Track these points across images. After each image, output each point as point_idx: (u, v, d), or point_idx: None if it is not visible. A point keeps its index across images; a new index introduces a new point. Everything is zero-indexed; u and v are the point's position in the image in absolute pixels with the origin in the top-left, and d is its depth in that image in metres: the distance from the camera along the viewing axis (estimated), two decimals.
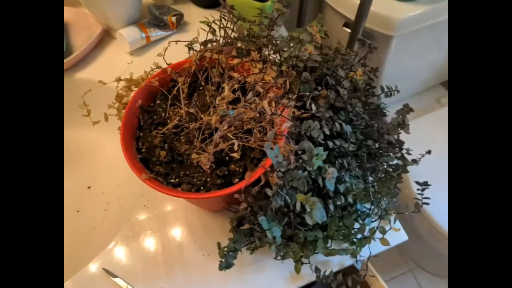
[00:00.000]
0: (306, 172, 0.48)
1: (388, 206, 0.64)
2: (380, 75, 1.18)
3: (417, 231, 1.25)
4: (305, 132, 0.49)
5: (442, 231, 1.12)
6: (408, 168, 0.64)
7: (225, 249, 0.53)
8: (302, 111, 0.53)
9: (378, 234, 0.59)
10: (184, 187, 0.49)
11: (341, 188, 0.53)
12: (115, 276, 0.60)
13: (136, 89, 0.55)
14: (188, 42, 0.55)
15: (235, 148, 0.46)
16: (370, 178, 0.61)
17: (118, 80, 0.56)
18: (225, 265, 0.51)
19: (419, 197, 0.66)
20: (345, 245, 0.61)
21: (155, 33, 0.89)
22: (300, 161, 0.47)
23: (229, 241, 0.53)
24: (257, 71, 0.54)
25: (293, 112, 0.51)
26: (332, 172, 0.47)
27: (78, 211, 0.76)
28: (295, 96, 0.52)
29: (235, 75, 0.53)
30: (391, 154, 0.65)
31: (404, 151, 0.70)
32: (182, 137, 0.51)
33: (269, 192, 0.47)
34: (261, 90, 0.52)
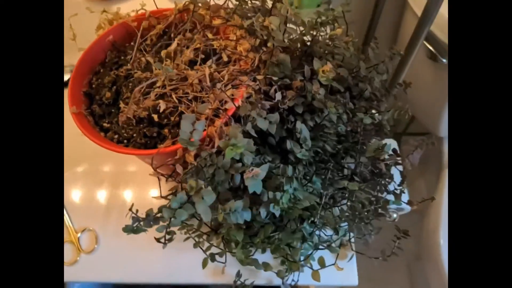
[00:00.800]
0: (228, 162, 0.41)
1: (346, 240, 0.54)
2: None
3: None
4: (251, 121, 0.42)
5: None
6: None
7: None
8: (268, 98, 0.46)
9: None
10: (109, 134, 0.46)
11: (277, 195, 0.45)
12: None
13: None
14: None
15: (161, 108, 0.41)
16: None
17: (103, 11, 0.54)
18: (129, 229, 0.48)
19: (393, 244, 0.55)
20: (275, 262, 0.53)
21: None
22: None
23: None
24: (234, 39, 0.47)
25: (250, 94, 0.44)
26: (256, 172, 0.40)
27: None
28: (261, 77, 0.45)
29: (210, 35, 0.48)
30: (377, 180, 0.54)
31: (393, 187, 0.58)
32: (130, 84, 0.48)
33: (178, 168, 0.41)
34: (226, 59, 0.46)
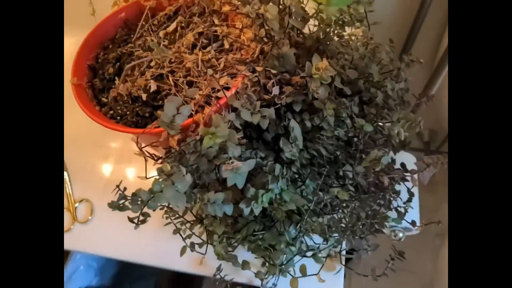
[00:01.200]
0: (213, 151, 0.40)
1: (337, 251, 0.51)
2: None
3: None
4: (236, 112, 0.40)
5: None
6: None
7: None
8: (267, 92, 0.44)
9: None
10: (104, 109, 0.46)
11: (260, 193, 0.42)
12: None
13: None
14: None
15: (151, 88, 0.41)
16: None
17: None
18: (115, 205, 0.48)
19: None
20: (258, 262, 0.51)
21: None
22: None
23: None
24: (240, 27, 0.46)
25: (247, 86, 0.43)
26: (236, 165, 0.38)
27: None
28: (260, 69, 0.43)
29: (216, 21, 0.46)
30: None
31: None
32: (132, 62, 0.48)
33: (160, 151, 0.41)
34: (227, 46, 0.44)
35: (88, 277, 0.91)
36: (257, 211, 0.41)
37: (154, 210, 0.50)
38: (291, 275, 0.47)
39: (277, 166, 0.43)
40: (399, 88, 0.52)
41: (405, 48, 1.10)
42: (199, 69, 0.39)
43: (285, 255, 0.48)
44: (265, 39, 0.42)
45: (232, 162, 0.38)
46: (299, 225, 0.45)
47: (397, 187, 0.54)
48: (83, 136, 0.68)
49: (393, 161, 0.56)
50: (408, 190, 0.56)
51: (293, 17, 0.41)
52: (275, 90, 0.43)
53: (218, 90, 0.41)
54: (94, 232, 0.59)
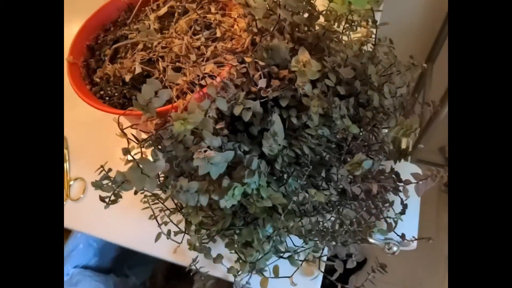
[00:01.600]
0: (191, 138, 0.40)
1: (317, 256, 0.49)
2: None
3: None
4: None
5: None
6: None
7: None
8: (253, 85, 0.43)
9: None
10: (95, 88, 0.47)
11: (233, 185, 0.41)
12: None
13: None
14: None
15: (136, 71, 0.41)
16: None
17: None
18: (98, 185, 0.48)
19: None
20: (233, 256, 0.50)
21: None
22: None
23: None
24: (234, 16, 0.45)
25: (232, 76, 0.42)
26: (209, 155, 0.38)
27: None
28: (249, 60, 0.42)
29: (213, 9, 0.46)
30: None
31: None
32: (128, 45, 0.48)
33: (138, 134, 0.41)
34: (219, 35, 0.44)
35: (87, 256, 0.93)
36: (228, 204, 0.40)
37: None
38: (263, 275, 0.46)
39: (255, 161, 0.41)
40: (400, 93, 0.50)
41: (430, 56, 1.05)
42: (183, 54, 0.39)
43: (259, 253, 0.47)
44: (255, 30, 0.41)
45: (205, 151, 0.37)
46: (273, 223, 0.44)
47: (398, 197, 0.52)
48: (89, 117, 0.69)
49: (393, 171, 0.54)
50: (402, 201, 0.54)
51: (285, 8, 0.40)
52: (262, 83, 0.42)
53: (204, 78, 0.41)
54: (83, 210, 0.60)
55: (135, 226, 0.58)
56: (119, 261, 1.02)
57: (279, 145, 0.43)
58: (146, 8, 0.53)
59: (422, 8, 0.97)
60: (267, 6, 0.39)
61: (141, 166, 0.35)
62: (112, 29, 0.52)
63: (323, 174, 0.46)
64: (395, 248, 0.64)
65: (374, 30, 0.53)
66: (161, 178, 0.47)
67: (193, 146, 0.41)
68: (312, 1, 0.49)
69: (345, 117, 0.46)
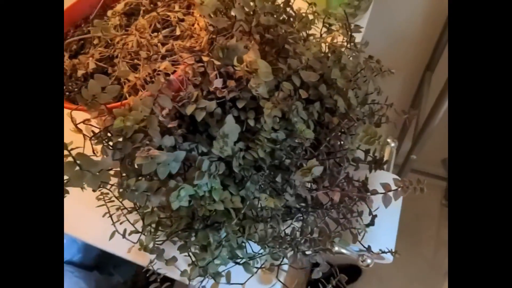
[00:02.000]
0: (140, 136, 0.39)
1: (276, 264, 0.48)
2: None
3: None
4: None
5: None
6: None
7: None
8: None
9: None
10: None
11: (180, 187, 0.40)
12: None
13: None
14: None
15: (89, 66, 0.41)
16: None
17: None
18: None
19: None
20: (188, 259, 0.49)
21: None
22: None
23: None
24: (197, 15, 0.44)
25: (188, 75, 0.41)
26: (152, 154, 0.37)
27: None
28: (207, 59, 0.41)
29: (176, 7, 0.45)
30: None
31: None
32: (94, 41, 0.48)
33: (87, 130, 0.40)
34: (178, 33, 0.43)
35: (71, 252, 0.93)
36: (175, 205, 0.39)
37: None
38: (215, 280, 0.45)
39: (206, 162, 0.40)
40: (370, 99, 0.48)
41: (429, 65, 1.02)
42: (134, 50, 0.38)
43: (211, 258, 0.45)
44: (211, 29, 0.40)
45: (149, 150, 0.37)
46: (223, 228, 0.43)
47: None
48: None
49: (364, 180, 0.52)
50: (370, 212, 0.51)
51: (239, 7, 0.39)
52: (217, 83, 0.41)
53: (158, 75, 0.40)
54: None
55: (96, 221, 0.57)
56: (103, 259, 1.01)
57: (234, 147, 0.42)
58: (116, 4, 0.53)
59: (420, 16, 0.95)
60: (221, 5, 0.38)
61: (78, 162, 0.35)
62: (83, 25, 0.52)
63: (278, 179, 0.44)
64: (369, 261, 0.62)
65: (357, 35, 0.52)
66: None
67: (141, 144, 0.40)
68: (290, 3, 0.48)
69: (307, 121, 0.45)
